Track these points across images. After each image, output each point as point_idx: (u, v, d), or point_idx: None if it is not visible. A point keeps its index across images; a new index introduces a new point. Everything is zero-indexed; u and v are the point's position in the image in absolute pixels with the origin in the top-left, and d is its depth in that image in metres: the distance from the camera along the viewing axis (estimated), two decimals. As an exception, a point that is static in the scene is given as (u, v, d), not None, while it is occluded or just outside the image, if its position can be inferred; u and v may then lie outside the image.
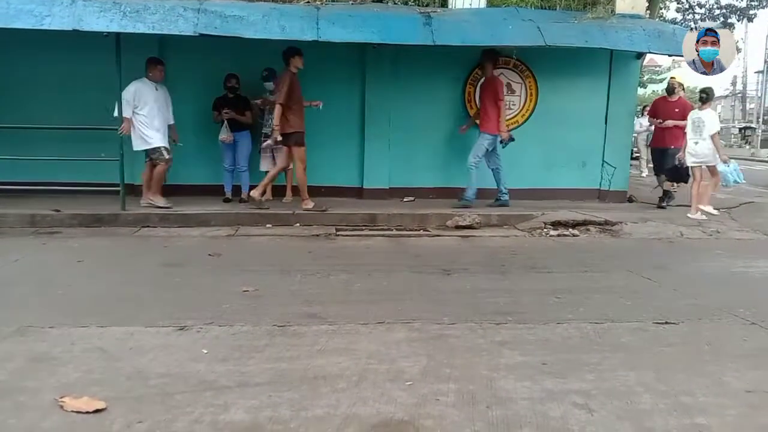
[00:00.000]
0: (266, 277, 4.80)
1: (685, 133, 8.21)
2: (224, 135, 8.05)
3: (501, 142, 8.38)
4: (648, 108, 10.44)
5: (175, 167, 8.84)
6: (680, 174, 8.57)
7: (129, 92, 7.39)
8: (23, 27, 6.71)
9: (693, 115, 8.11)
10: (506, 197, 8.48)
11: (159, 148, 7.56)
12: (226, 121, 8.03)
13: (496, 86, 8.29)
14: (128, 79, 7.73)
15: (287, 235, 6.80)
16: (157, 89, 7.62)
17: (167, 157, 7.62)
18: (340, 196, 8.85)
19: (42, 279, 4.73)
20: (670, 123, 8.86)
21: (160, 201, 7.58)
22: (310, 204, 7.73)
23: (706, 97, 8.07)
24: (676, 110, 8.87)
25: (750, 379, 2.97)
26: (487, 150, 8.32)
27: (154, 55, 7.95)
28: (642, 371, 3.03)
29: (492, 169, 8.50)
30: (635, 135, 15.79)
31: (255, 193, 7.66)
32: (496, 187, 8.54)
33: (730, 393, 2.81)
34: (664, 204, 8.98)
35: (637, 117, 13.23)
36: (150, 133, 7.48)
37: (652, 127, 10.27)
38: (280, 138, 7.49)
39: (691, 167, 8.12)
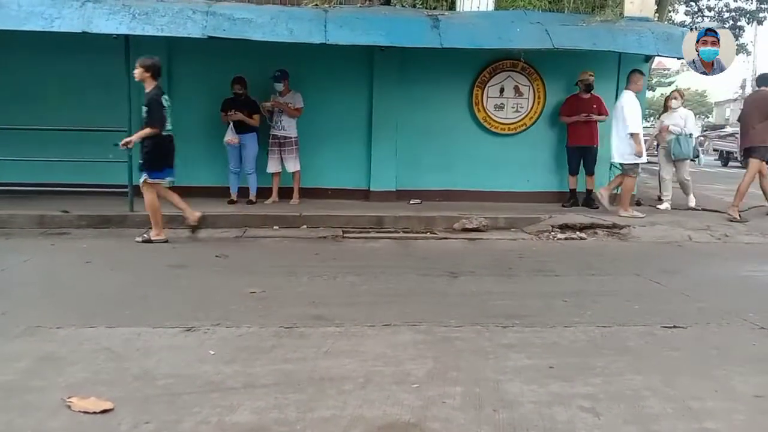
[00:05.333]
0: (273, 279, 4.81)
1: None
2: (229, 137, 8.05)
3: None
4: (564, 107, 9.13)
5: (180, 169, 8.86)
6: None
7: (638, 105, 7.97)
8: (33, 29, 6.76)
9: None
10: None
11: (638, 164, 8.10)
12: (231, 123, 8.05)
13: None
14: (137, 81, 7.76)
15: (294, 237, 6.82)
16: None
17: (639, 172, 8.31)
18: (347, 198, 8.85)
19: (50, 280, 4.76)
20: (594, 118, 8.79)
21: (634, 212, 8.08)
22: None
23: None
24: (594, 106, 8.80)
25: (758, 383, 2.96)
26: None
27: (160, 58, 7.92)
28: (649, 375, 3.01)
29: None
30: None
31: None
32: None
33: (738, 398, 2.79)
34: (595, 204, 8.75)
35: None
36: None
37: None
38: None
39: None
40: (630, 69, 9.04)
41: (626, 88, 8.15)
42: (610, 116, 8.63)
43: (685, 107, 9.53)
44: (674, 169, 9.20)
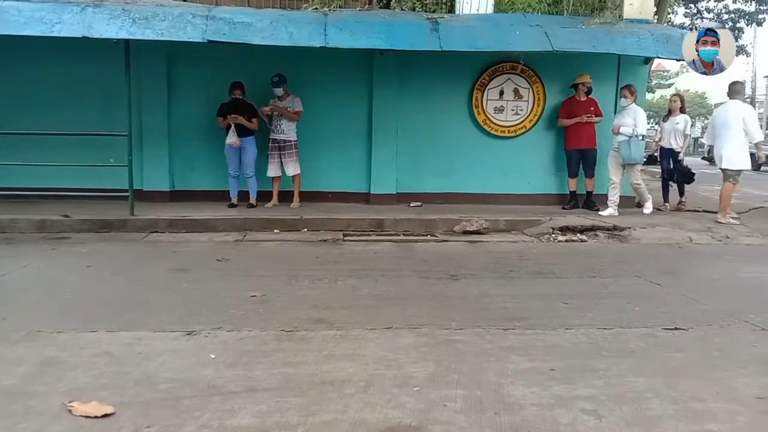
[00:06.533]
0: (274, 282, 4.80)
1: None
2: (232, 139, 8.05)
3: None
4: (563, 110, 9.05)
5: (181, 173, 8.89)
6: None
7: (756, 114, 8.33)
8: (33, 34, 6.78)
9: None
10: None
11: (742, 171, 8.18)
12: (233, 126, 8.05)
13: None
14: (137, 85, 7.80)
15: (295, 241, 6.81)
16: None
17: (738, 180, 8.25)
18: (347, 202, 8.87)
19: (51, 284, 4.76)
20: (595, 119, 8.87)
21: (731, 218, 8.15)
22: None
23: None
24: (592, 109, 8.85)
25: (760, 385, 2.95)
26: None
27: (161, 62, 7.98)
28: (651, 377, 3.01)
29: None
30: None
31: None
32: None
33: (741, 399, 2.79)
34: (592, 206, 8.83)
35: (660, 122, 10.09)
36: (747, 156, 8.09)
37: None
38: None
39: None
40: (630, 70, 9.07)
41: (733, 98, 8.12)
42: (604, 117, 8.84)
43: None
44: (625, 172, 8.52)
